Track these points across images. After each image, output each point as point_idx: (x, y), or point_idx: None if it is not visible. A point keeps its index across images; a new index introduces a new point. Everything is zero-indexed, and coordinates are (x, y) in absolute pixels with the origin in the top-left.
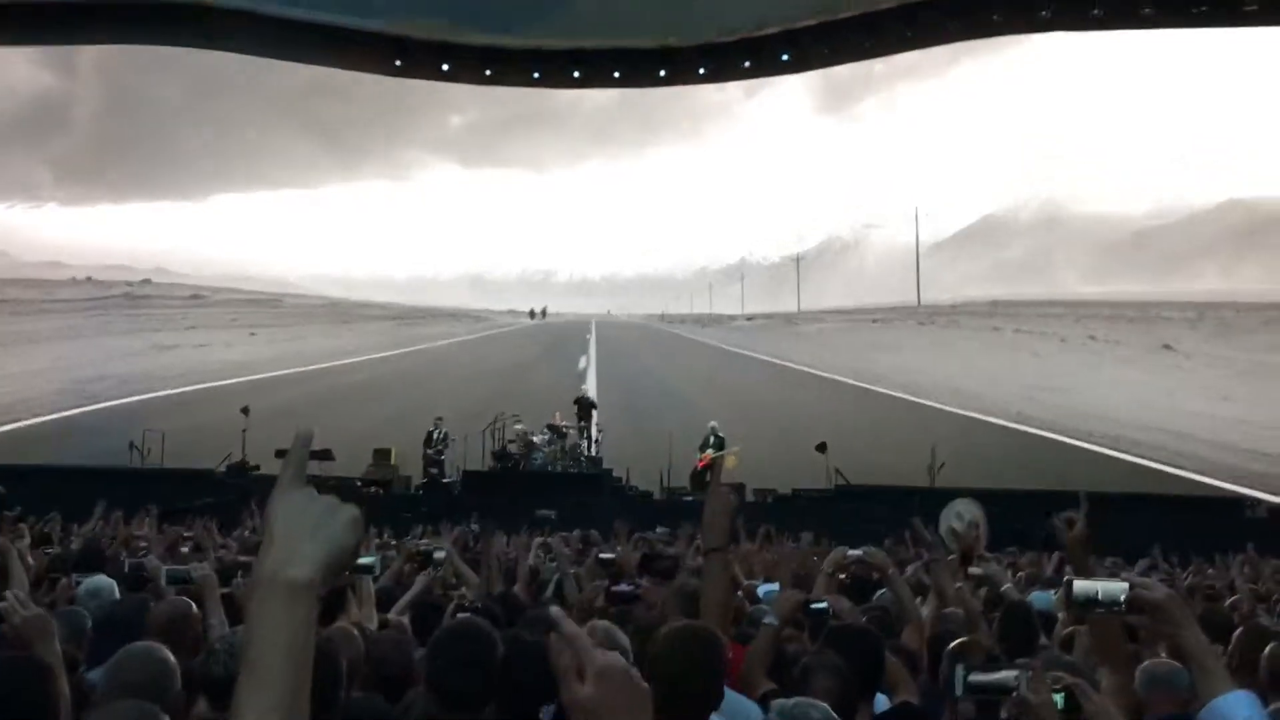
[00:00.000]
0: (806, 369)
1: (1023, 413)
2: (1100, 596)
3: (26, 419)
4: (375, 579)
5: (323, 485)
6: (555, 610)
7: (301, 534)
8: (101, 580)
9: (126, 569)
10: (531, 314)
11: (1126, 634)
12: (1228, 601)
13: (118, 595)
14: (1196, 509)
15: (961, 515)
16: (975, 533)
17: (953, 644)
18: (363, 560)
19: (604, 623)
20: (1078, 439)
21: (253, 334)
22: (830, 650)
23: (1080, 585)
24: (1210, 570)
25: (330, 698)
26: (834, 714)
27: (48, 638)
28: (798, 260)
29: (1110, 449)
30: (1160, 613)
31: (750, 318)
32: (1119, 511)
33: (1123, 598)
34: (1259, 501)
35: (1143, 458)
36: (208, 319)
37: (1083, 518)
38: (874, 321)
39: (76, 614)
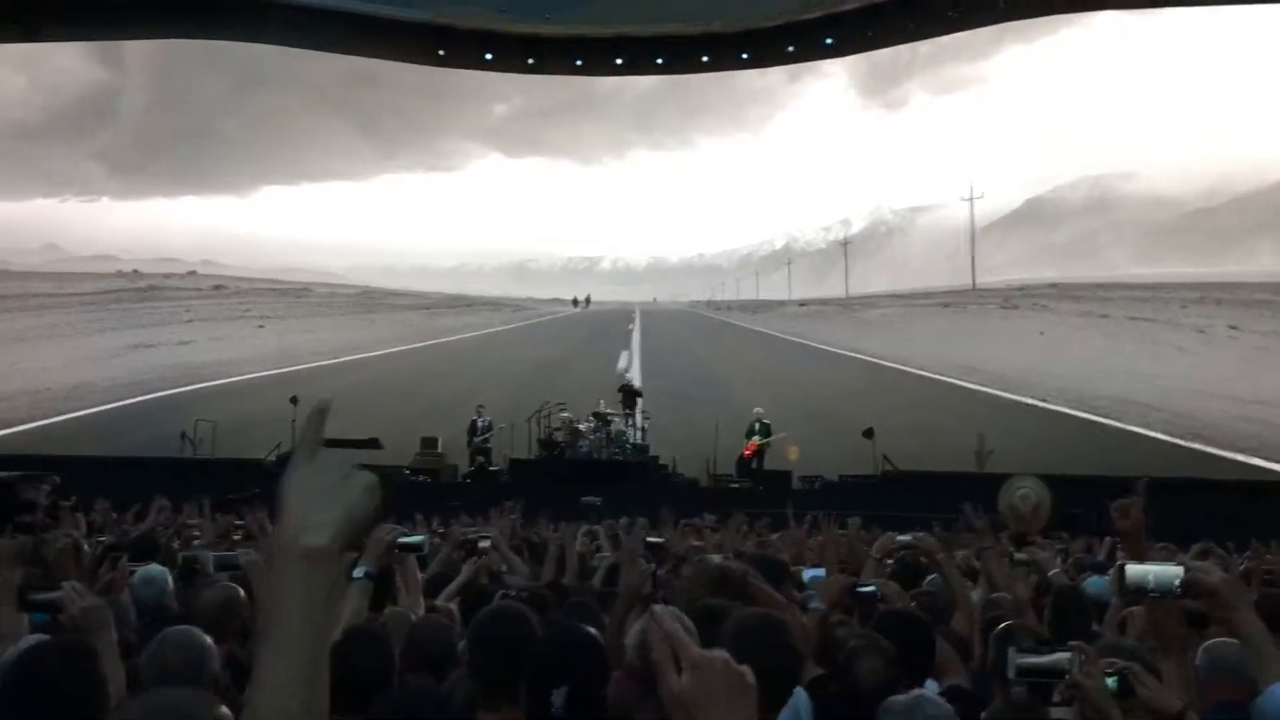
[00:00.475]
0: (853, 354)
1: (1084, 398)
2: (1153, 582)
3: (80, 409)
4: (422, 557)
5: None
6: (659, 608)
7: (316, 502)
8: (154, 569)
9: (180, 560)
10: (575, 302)
11: (1185, 619)
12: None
13: (170, 584)
14: (1254, 492)
15: (1027, 496)
16: (1036, 514)
17: (1001, 626)
18: (409, 539)
19: (666, 608)
20: (1132, 424)
21: (260, 326)
22: (877, 633)
23: (1133, 570)
24: (1268, 555)
25: (383, 678)
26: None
27: (104, 628)
28: (845, 244)
29: (1165, 434)
30: (1216, 597)
31: (803, 303)
32: (1174, 496)
33: (1177, 583)
34: None
35: (1199, 442)
36: (218, 311)
37: (1140, 503)
38: (945, 306)
39: (117, 602)
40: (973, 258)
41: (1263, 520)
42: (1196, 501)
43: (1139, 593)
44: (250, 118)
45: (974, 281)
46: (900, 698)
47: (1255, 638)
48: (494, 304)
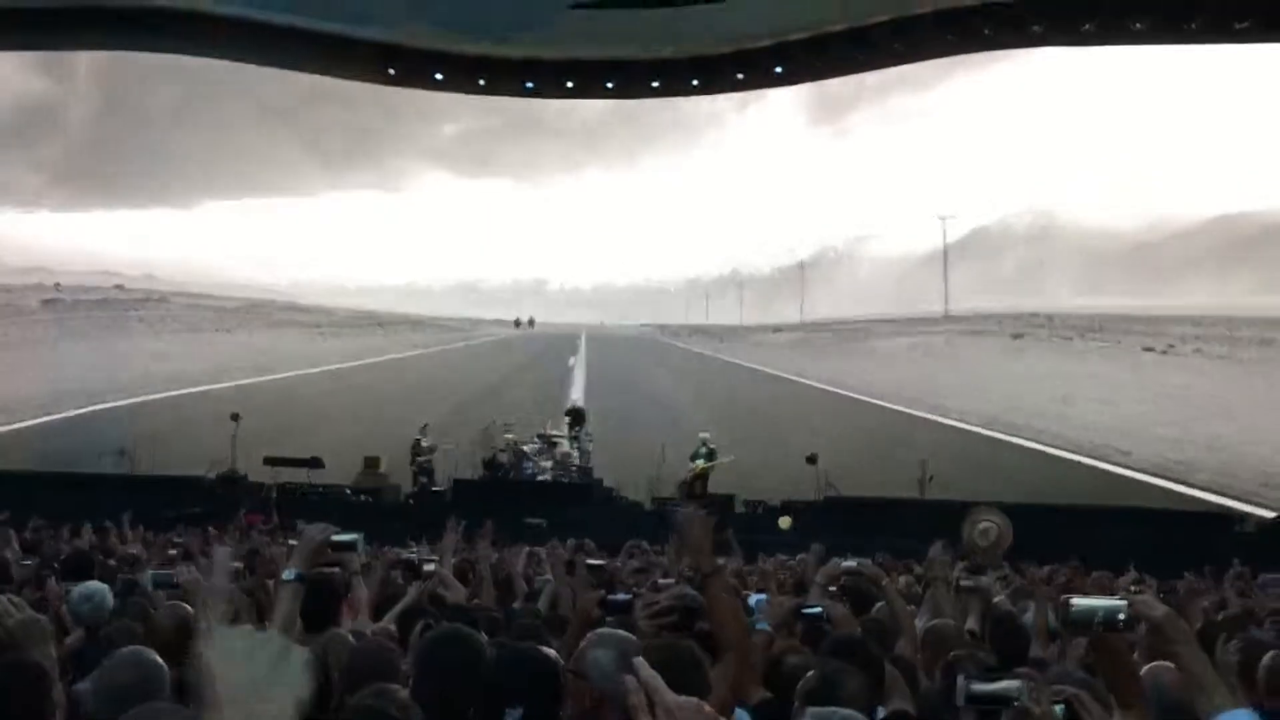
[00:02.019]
0: (798, 379)
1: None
2: (1100, 615)
3: (11, 423)
4: (356, 569)
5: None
6: (639, 660)
7: (258, 690)
8: (94, 585)
9: (118, 582)
10: (517, 323)
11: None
12: (1220, 615)
13: (110, 601)
14: (1185, 523)
15: (987, 531)
16: (997, 546)
17: (951, 654)
18: (342, 537)
19: (608, 630)
20: (1072, 452)
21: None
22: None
23: (1079, 604)
24: (1200, 584)
25: (322, 703)
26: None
27: (43, 641)
28: (802, 268)
29: (1102, 461)
30: (1159, 630)
31: (778, 329)
32: (1108, 525)
33: (1122, 616)
34: (1247, 516)
35: (1133, 469)
36: (157, 324)
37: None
38: (1015, 337)
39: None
40: (945, 281)
41: (1193, 549)
42: (1130, 530)
43: (1085, 627)
44: (197, 131)
45: (946, 306)
46: (820, 710)
47: (1197, 669)
48: (414, 323)
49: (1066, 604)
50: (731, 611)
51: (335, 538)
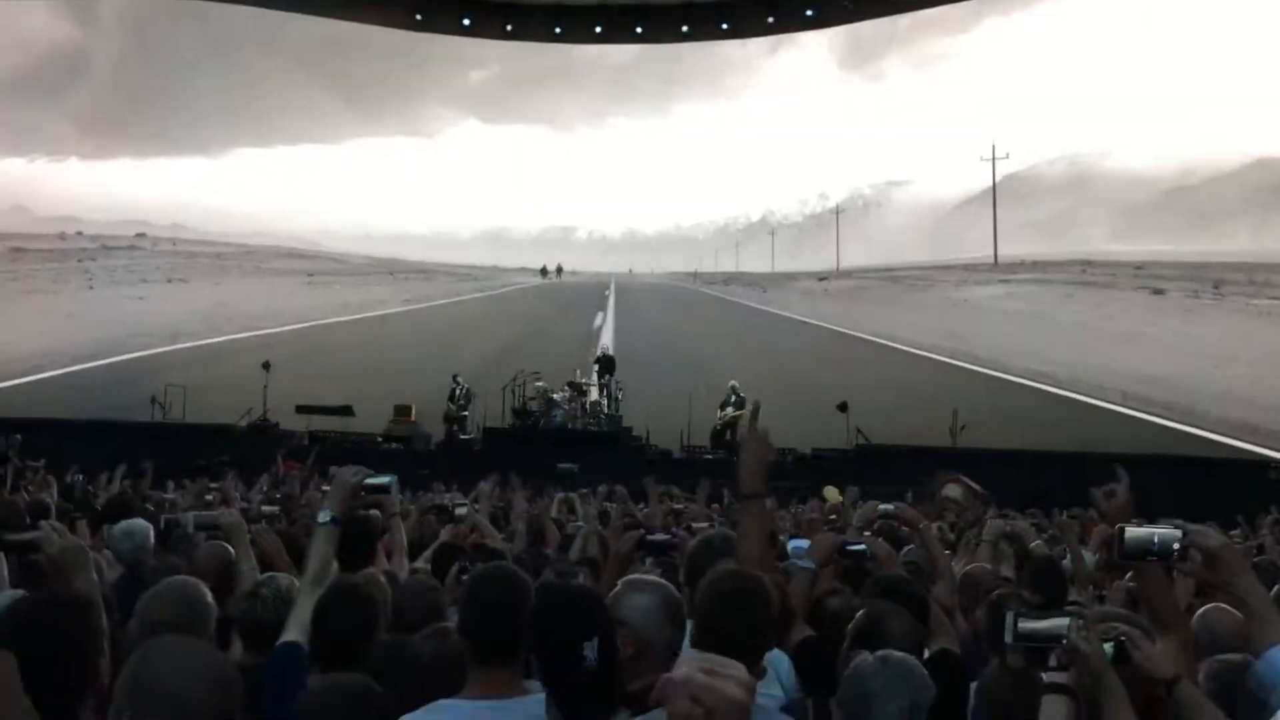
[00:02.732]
0: (833, 326)
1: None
2: (1155, 544)
3: (44, 371)
4: (394, 510)
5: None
6: (688, 653)
7: None
8: (137, 522)
9: (162, 523)
10: (544, 271)
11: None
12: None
13: (151, 539)
14: (1221, 471)
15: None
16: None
17: (995, 593)
18: (376, 480)
19: (642, 576)
20: (1106, 400)
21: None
22: (883, 601)
23: (1133, 532)
24: (1236, 533)
25: (368, 636)
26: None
27: (85, 568)
28: (838, 212)
29: (1136, 410)
30: (1216, 560)
31: (823, 276)
32: (1143, 473)
33: (1176, 545)
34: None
35: (1168, 419)
36: (182, 273)
37: (1125, 488)
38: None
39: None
40: (995, 230)
41: (1229, 497)
42: (1166, 479)
43: (1140, 555)
44: (224, 79)
45: (996, 256)
46: (868, 656)
47: (1255, 602)
48: (427, 272)
49: (1120, 532)
50: (757, 540)
51: (369, 480)
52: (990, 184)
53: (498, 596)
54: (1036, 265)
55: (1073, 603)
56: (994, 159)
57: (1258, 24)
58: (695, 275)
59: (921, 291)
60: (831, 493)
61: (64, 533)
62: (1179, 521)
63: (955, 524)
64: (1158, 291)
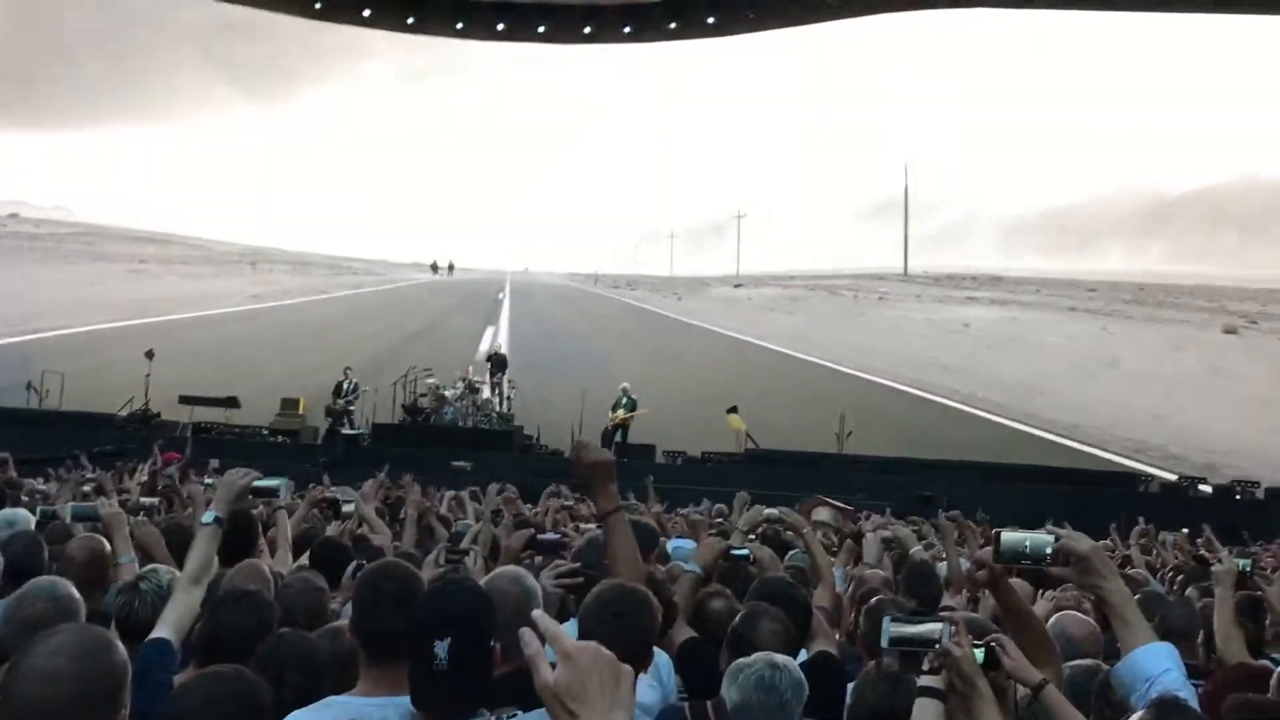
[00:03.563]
0: (722, 330)
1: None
2: (1028, 548)
3: None
4: (280, 504)
5: None
6: (537, 613)
7: None
8: (20, 511)
9: (37, 514)
10: (434, 268)
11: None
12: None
13: (33, 528)
14: (1093, 483)
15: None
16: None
17: (875, 599)
18: (265, 482)
19: (512, 568)
20: (982, 409)
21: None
22: (766, 604)
23: (1009, 536)
24: (1107, 541)
25: (262, 636)
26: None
27: None
28: (739, 219)
29: (1010, 419)
30: (1085, 563)
31: (738, 284)
32: (1016, 482)
33: (1049, 550)
34: (1152, 477)
35: (1043, 430)
36: (59, 256)
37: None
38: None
39: None
40: (905, 240)
41: (1100, 508)
42: (1040, 488)
43: (1014, 559)
44: (113, 60)
45: (906, 265)
46: (744, 658)
47: (1121, 603)
48: (299, 264)
49: (996, 536)
50: (629, 547)
51: (258, 483)
52: (880, 200)
53: (388, 592)
54: (947, 279)
55: (946, 608)
56: (905, 171)
57: (1139, 51)
58: (596, 278)
59: (855, 303)
60: (735, 420)
61: None
62: (1051, 527)
63: (839, 529)
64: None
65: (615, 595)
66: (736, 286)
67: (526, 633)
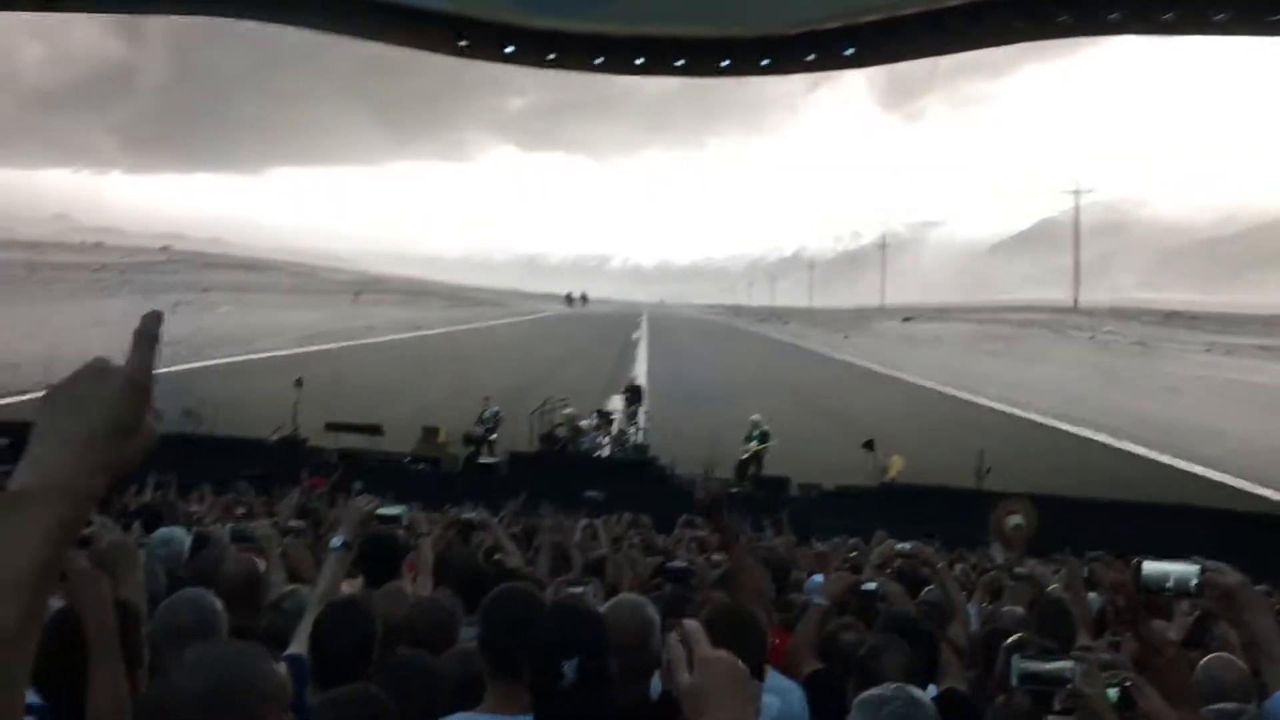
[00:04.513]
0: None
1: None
2: (1172, 580)
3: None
4: (404, 528)
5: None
6: (689, 622)
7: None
8: (175, 530)
9: (193, 534)
10: (569, 299)
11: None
12: None
13: (187, 548)
14: (1255, 523)
15: (1020, 527)
16: (1021, 535)
17: (1013, 638)
18: (388, 510)
19: (633, 596)
20: (1138, 445)
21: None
22: (894, 636)
23: (1151, 567)
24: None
25: (365, 651)
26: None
27: (132, 567)
28: (884, 248)
29: (1168, 456)
30: (1232, 598)
31: (907, 317)
32: (1168, 522)
33: (1194, 582)
34: None
35: (1206, 467)
36: (216, 288)
37: (1132, 581)
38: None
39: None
40: (1076, 270)
41: (1260, 550)
42: (1196, 529)
43: (1157, 591)
44: (267, 99)
45: (1076, 299)
46: (876, 690)
47: (1269, 640)
48: (416, 293)
49: (1137, 566)
50: (750, 574)
51: (381, 511)
52: (1020, 229)
53: (511, 613)
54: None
55: (1083, 648)
56: (1077, 192)
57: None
58: (737, 310)
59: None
60: (896, 461)
61: (112, 529)
62: (1197, 558)
63: (977, 565)
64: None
65: (722, 615)
66: (906, 320)
67: (673, 640)
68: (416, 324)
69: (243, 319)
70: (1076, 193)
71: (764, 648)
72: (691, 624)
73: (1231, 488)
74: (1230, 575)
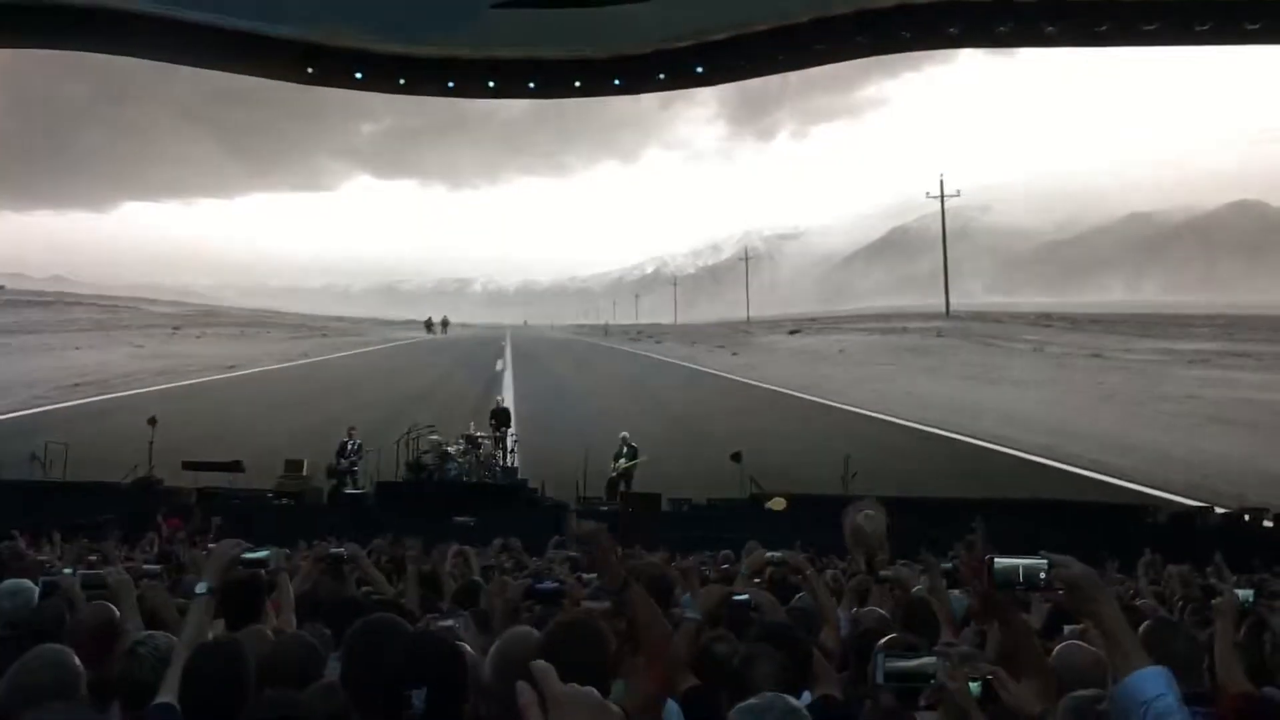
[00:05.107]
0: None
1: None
2: (1021, 574)
3: None
4: (268, 571)
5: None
6: (536, 662)
7: None
8: (23, 581)
9: (40, 583)
10: (428, 325)
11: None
12: (1135, 603)
13: (36, 598)
14: (1098, 514)
15: (870, 517)
16: (877, 535)
17: (884, 639)
18: (254, 554)
19: (523, 629)
20: (992, 442)
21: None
22: (766, 645)
23: (1002, 563)
24: (1116, 574)
25: (239, 694)
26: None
27: None
28: (746, 260)
29: (1021, 452)
30: (1079, 589)
31: (794, 330)
32: (1022, 517)
33: (1043, 575)
34: (1159, 507)
35: (1056, 461)
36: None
37: (981, 538)
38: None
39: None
40: (945, 274)
41: (1108, 539)
42: (1047, 521)
43: (1007, 585)
44: (112, 131)
45: (947, 303)
46: (753, 700)
47: (1114, 628)
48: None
49: (989, 563)
50: (652, 617)
51: (245, 555)
52: (872, 238)
53: (370, 644)
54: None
55: (946, 643)
56: (942, 195)
57: (1138, 83)
58: (606, 329)
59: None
60: (778, 502)
61: None
62: (1044, 552)
63: (847, 569)
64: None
65: (563, 630)
66: (793, 333)
67: (522, 685)
68: (235, 359)
69: (85, 358)
70: (941, 197)
71: (605, 661)
72: (539, 665)
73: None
74: (1075, 567)
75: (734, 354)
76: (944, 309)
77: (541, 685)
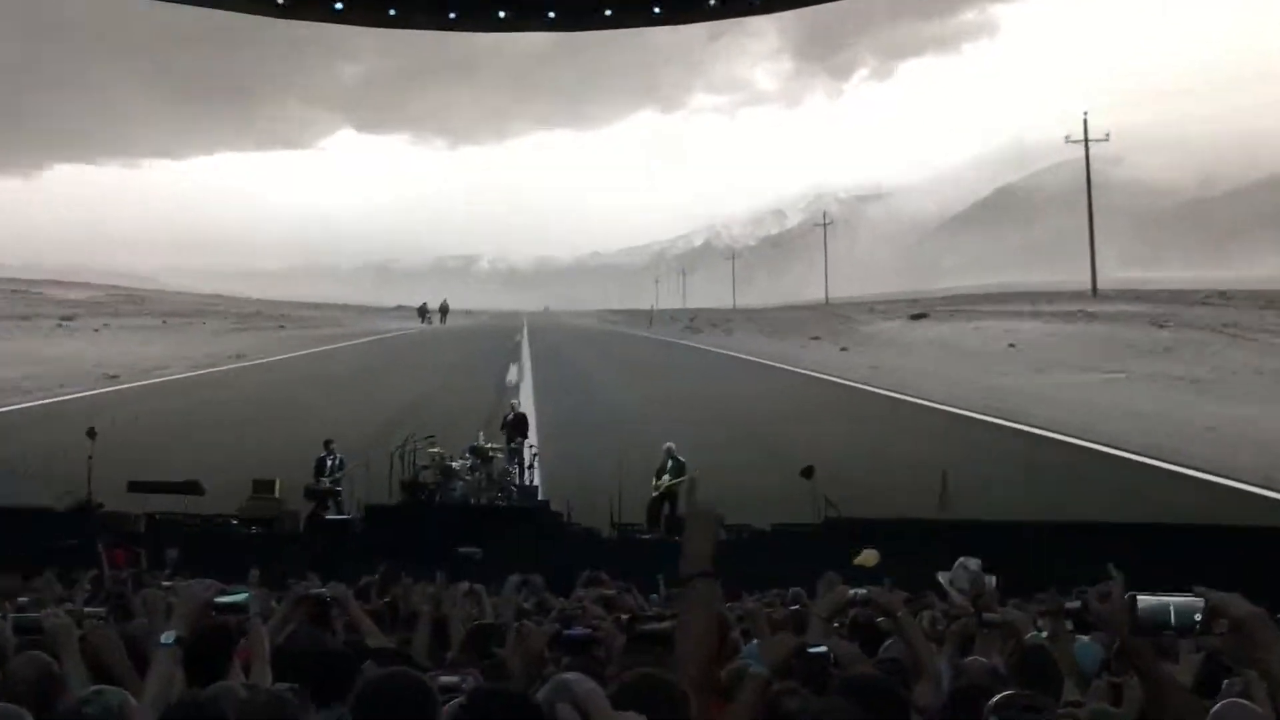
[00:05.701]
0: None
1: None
2: (1173, 616)
3: None
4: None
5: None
6: (561, 706)
7: None
8: None
9: None
10: (422, 313)
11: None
12: None
13: None
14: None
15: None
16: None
17: (996, 698)
18: (229, 598)
19: (565, 678)
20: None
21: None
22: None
23: (1147, 602)
24: None
25: None
26: None
27: None
28: (825, 226)
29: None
30: (1243, 631)
31: (917, 315)
32: (1174, 542)
33: (1198, 616)
34: None
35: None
36: None
37: (1119, 590)
38: None
39: None
40: (1092, 242)
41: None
42: (1205, 548)
43: (1156, 629)
44: (44, 81)
45: (1094, 282)
46: None
47: None
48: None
49: (1133, 602)
50: (703, 625)
51: (220, 599)
52: (974, 200)
53: (397, 703)
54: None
55: (1072, 703)
56: (1086, 140)
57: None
58: (650, 317)
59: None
60: (870, 556)
61: None
62: (1199, 588)
63: (949, 612)
64: None
65: (634, 685)
66: (915, 318)
67: (564, 706)
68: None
69: (28, 357)
70: (1085, 141)
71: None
72: (585, 686)
73: None
74: (1241, 605)
75: (842, 349)
76: (1089, 286)
77: (588, 710)
